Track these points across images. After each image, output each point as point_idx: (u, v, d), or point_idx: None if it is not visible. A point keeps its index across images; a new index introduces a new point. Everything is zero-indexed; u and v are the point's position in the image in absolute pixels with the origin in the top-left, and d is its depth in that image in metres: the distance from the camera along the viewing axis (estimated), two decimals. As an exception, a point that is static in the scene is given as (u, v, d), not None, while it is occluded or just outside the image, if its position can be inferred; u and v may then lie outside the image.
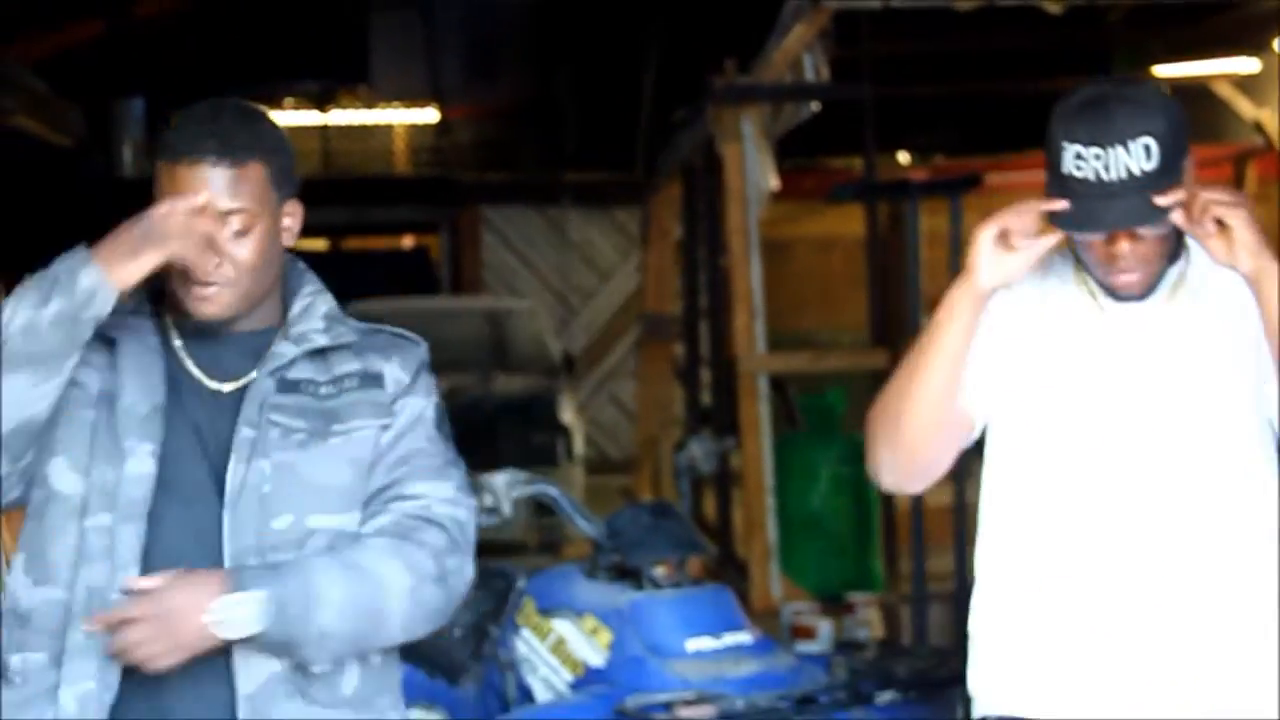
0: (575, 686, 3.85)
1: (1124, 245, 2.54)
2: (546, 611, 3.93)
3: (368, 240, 13.88)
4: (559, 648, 3.89)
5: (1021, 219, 2.56)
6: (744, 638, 3.85)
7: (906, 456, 2.68)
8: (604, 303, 12.12)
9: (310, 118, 11.54)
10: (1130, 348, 2.62)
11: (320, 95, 10.94)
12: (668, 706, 3.53)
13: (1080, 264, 2.64)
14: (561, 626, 3.91)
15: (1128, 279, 2.59)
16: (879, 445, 2.69)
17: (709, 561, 4.45)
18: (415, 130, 12.02)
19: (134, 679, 2.37)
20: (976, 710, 2.73)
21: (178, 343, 2.47)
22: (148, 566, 2.37)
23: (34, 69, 8.32)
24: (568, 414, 10.45)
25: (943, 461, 2.70)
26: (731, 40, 7.86)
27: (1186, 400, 2.61)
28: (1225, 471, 2.61)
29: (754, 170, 7.77)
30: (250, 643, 2.34)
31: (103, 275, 2.33)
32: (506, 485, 3.95)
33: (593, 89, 8.72)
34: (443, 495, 2.49)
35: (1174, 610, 2.59)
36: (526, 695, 3.91)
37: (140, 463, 2.39)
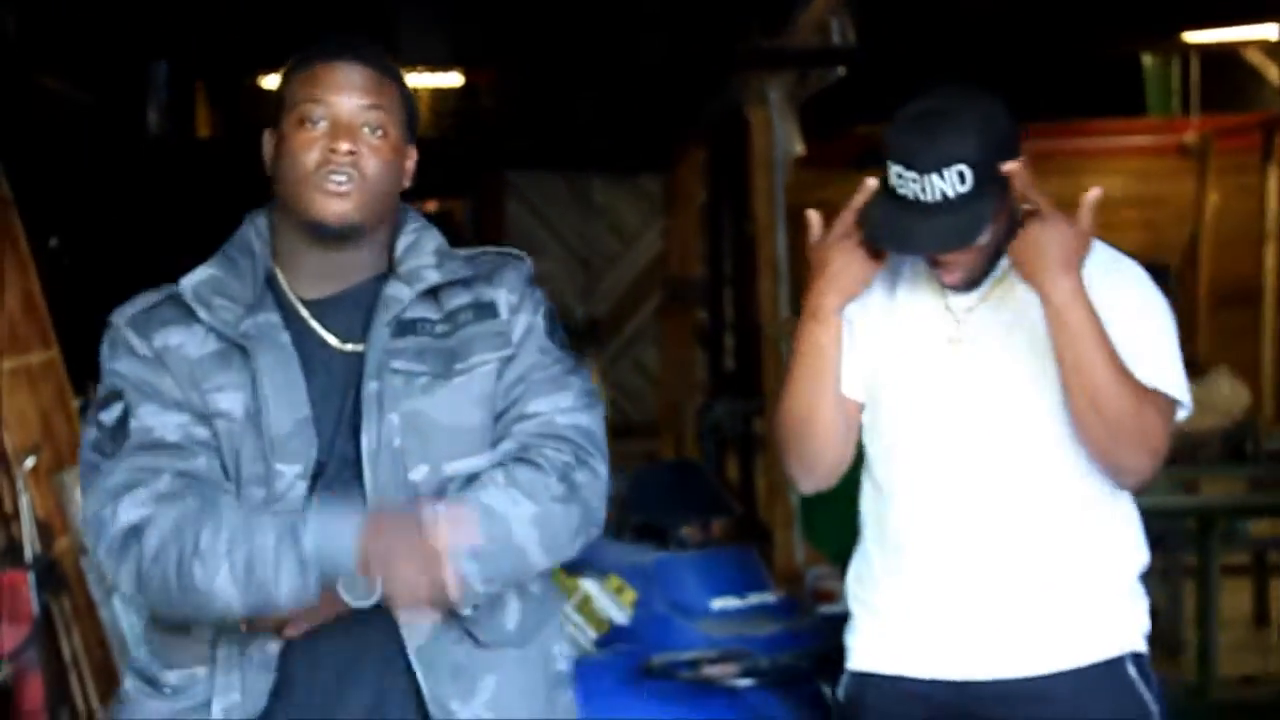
0: (600, 644, 3.89)
1: (946, 258, 2.72)
2: (572, 570, 3.97)
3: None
4: (584, 606, 3.94)
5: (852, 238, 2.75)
6: (768, 598, 3.90)
7: (818, 462, 2.87)
8: (627, 268, 12.12)
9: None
10: (964, 335, 2.79)
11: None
12: (692, 664, 3.56)
13: None
14: (587, 585, 3.95)
15: (949, 277, 2.76)
16: (790, 459, 2.89)
17: (730, 525, 4.48)
18: (439, 95, 12.02)
19: (307, 654, 2.36)
20: (847, 664, 2.94)
21: (304, 312, 2.42)
22: None
23: (60, 29, 8.36)
24: (592, 379, 10.46)
25: (849, 453, 2.89)
26: (757, 3, 7.85)
27: (1013, 384, 2.77)
28: (1047, 450, 2.78)
29: (780, 135, 7.78)
30: None
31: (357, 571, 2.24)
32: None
33: (615, 53, 8.73)
34: (563, 405, 2.42)
35: (1003, 576, 2.79)
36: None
37: (288, 485, 2.34)
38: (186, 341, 2.37)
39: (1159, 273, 2.85)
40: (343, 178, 2.35)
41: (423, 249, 2.46)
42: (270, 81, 11.35)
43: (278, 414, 2.35)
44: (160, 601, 2.31)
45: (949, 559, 2.80)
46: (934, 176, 2.61)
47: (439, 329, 2.42)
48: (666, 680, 3.54)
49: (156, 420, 2.35)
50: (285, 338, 2.39)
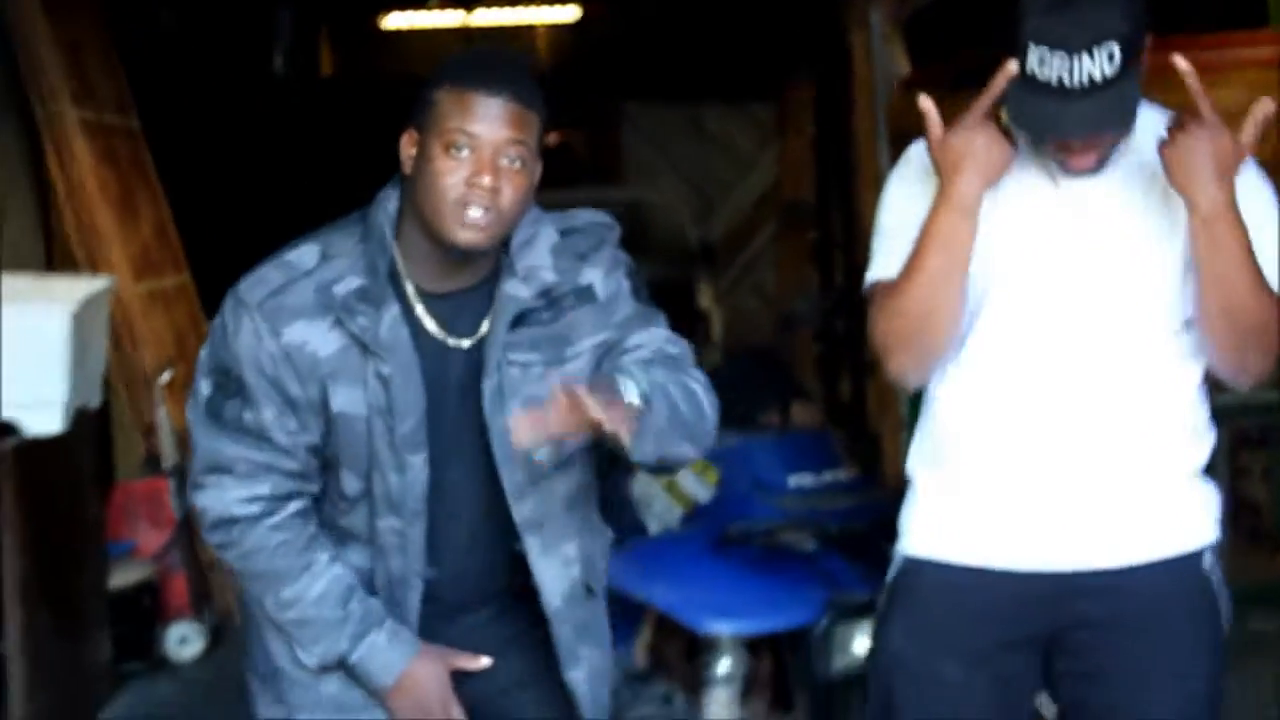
0: (685, 521, 4.13)
1: (1077, 141, 2.61)
2: (661, 455, 4.20)
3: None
4: (672, 486, 4.16)
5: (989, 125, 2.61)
6: (841, 475, 4.10)
7: (934, 360, 2.73)
8: (743, 195, 12.23)
9: (454, 18, 11.78)
10: (1080, 217, 2.69)
11: (465, -2, 11.25)
12: (767, 532, 3.78)
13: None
14: (674, 468, 4.18)
15: (1079, 162, 2.65)
16: (903, 356, 2.71)
17: (809, 412, 4.65)
18: (557, 29, 12.21)
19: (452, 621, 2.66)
20: (901, 549, 2.84)
21: (420, 309, 2.52)
22: (434, 534, 2.57)
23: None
24: (706, 300, 10.66)
25: (958, 346, 2.75)
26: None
27: (1120, 265, 2.68)
28: (1145, 333, 2.71)
29: (882, 57, 7.90)
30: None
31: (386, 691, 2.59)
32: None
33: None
34: (662, 336, 2.60)
35: (1084, 459, 2.69)
36: (641, 530, 4.20)
37: (418, 472, 2.52)
38: (313, 339, 2.48)
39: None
40: (480, 212, 2.42)
41: (538, 246, 2.56)
42: (391, 21, 11.64)
43: (404, 413, 2.49)
44: (233, 572, 2.63)
45: (1031, 440, 2.70)
46: (1084, 57, 2.48)
47: (545, 316, 2.54)
48: (744, 546, 3.76)
49: (270, 420, 2.51)
50: (407, 337, 2.50)
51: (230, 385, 2.52)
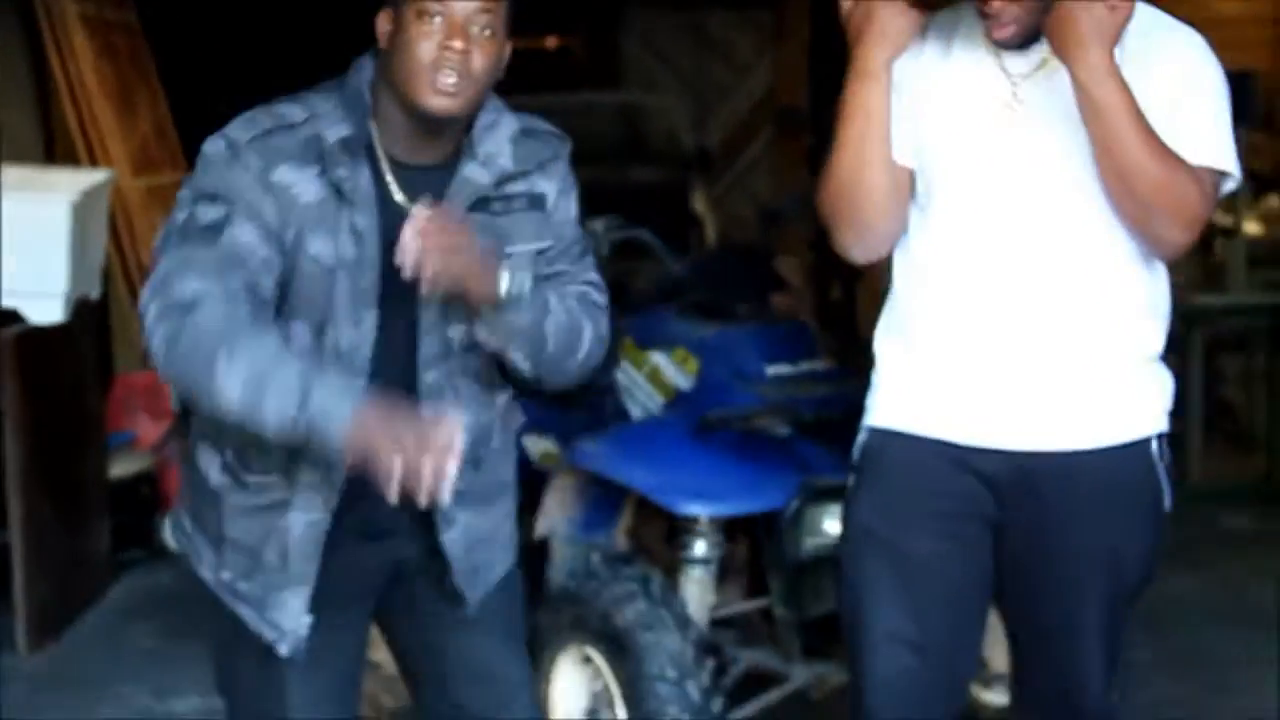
0: (667, 408, 4.24)
1: (995, 3, 2.68)
2: (643, 345, 4.31)
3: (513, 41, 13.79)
4: (654, 376, 4.27)
5: None
6: (818, 365, 4.20)
7: (870, 231, 2.83)
8: (741, 100, 12.28)
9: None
10: (1021, 98, 2.75)
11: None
12: (745, 418, 3.90)
13: None
14: (656, 358, 4.27)
15: (1001, 32, 2.70)
16: (842, 228, 2.83)
17: (788, 305, 4.75)
18: (557, -67, 12.21)
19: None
20: (866, 420, 2.94)
21: (389, 175, 2.61)
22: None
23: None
24: (700, 204, 10.75)
25: (901, 221, 2.84)
26: None
27: (1067, 150, 2.71)
28: (1093, 221, 2.74)
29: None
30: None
31: (345, 442, 2.40)
32: (604, 229, 4.34)
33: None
34: (593, 280, 2.73)
35: (1040, 343, 2.76)
36: (625, 417, 4.32)
37: (369, 329, 2.61)
38: (299, 183, 2.56)
39: (1242, 81, 2.84)
40: (453, 77, 2.52)
41: (499, 134, 2.66)
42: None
43: (368, 267, 2.59)
44: (172, 370, 2.47)
45: (983, 318, 2.77)
46: None
47: (497, 207, 2.65)
48: (722, 432, 3.87)
49: (247, 240, 2.52)
50: (376, 196, 2.59)
51: (212, 207, 2.53)
